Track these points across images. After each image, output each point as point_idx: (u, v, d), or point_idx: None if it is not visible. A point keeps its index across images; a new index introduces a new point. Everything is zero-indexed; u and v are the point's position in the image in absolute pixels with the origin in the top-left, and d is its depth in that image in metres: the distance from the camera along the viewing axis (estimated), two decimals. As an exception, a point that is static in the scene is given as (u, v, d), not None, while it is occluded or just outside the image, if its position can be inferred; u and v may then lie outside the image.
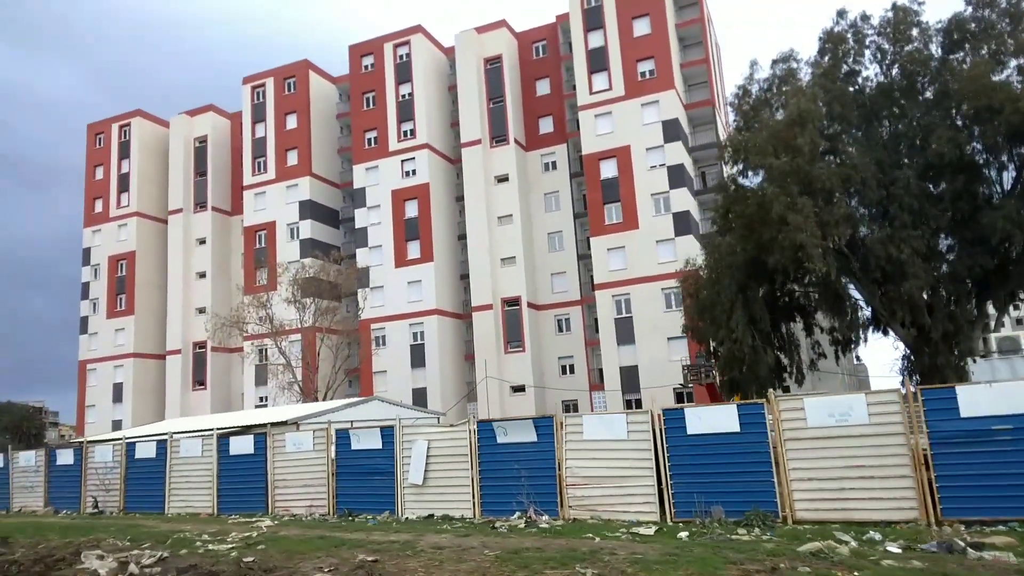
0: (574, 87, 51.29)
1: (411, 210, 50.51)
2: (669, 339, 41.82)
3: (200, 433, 23.42)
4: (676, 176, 43.33)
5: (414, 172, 50.79)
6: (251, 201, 56.06)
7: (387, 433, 17.69)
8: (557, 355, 48.53)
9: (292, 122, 55.67)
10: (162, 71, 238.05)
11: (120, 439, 24.05)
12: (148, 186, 61.53)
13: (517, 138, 50.42)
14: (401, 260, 50.00)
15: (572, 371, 48.03)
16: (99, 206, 62.06)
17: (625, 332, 43.09)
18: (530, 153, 51.09)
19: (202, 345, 57.74)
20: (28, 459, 25.63)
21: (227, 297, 59.40)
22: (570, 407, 46.43)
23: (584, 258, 48.58)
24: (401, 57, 52.65)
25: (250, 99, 57.41)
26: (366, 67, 53.62)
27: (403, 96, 52.14)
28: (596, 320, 47.61)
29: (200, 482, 20.91)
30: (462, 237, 52.22)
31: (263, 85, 57.08)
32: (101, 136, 63.02)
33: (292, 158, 55.16)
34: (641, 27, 46.17)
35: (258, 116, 56.93)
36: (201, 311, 58.27)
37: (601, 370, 47.06)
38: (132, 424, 56.01)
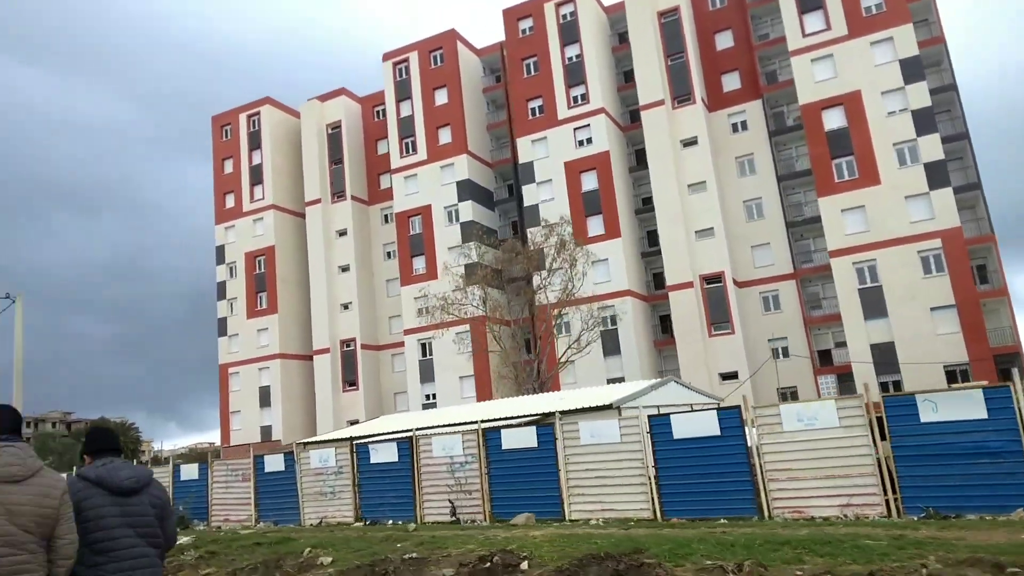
0: (764, 36, 45.86)
1: (588, 182, 45.54)
2: (932, 309, 35.95)
3: (456, 428, 19.16)
4: (924, 121, 37.41)
5: (589, 140, 45.81)
6: (401, 185, 51.81)
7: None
8: (767, 336, 43.01)
9: (441, 97, 51.26)
10: (208, 89, 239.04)
11: (343, 440, 21.35)
12: (281, 177, 57.93)
13: (702, 97, 45.13)
14: (582, 237, 45.04)
15: (785, 354, 42.41)
16: (230, 201, 58.66)
17: (873, 304, 37.31)
18: (713, 114, 45.70)
19: (350, 343, 53.71)
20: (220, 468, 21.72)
21: (371, 291, 55.39)
22: (787, 395, 40.86)
23: (795, 225, 42.95)
24: (565, 16, 47.75)
25: (392, 76, 53.23)
26: (524, 31, 48.89)
27: (570, 59, 47.25)
28: (819, 294, 42.06)
29: (468, 485, 16.80)
30: (639, 211, 47.10)
31: (406, 60, 52.84)
32: (228, 128, 59.66)
33: (444, 136, 50.73)
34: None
35: (402, 94, 52.70)
36: (346, 307, 54.32)
37: (827, 351, 41.53)
38: (284, 429, 52.31)
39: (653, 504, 14.21)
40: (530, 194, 46.99)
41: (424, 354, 48.98)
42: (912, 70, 37.85)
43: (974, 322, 35.07)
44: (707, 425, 13.85)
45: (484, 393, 46.04)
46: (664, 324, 46.59)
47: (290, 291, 56.37)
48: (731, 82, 45.98)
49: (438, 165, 50.47)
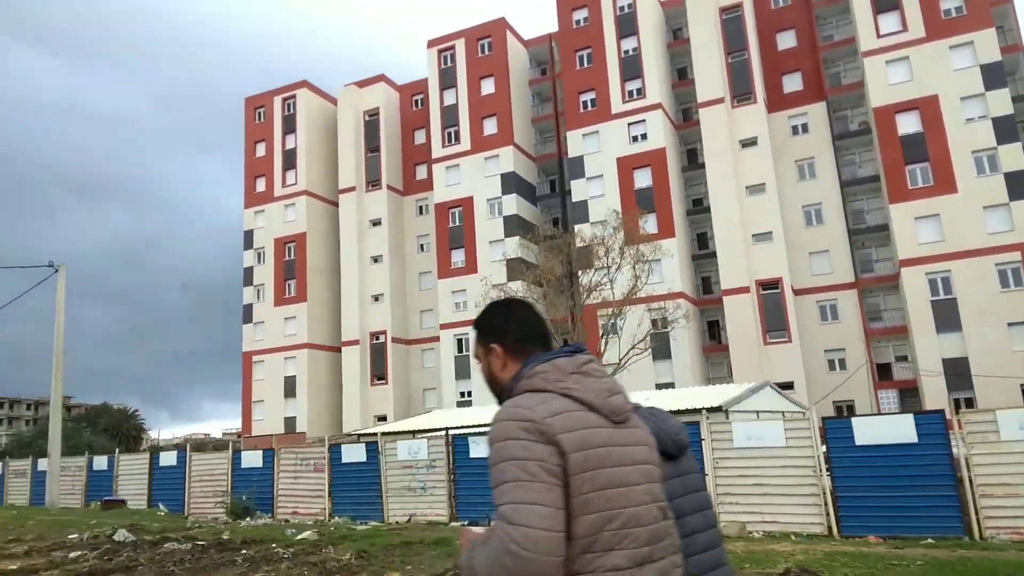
0: (828, 37, 44.39)
1: (641, 179, 43.91)
2: (1010, 325, 34.31)
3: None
4: (1005, 129, 35.85)
5: (644, 136, 44.18)
6: (441, 175, 50.14)
7: None
8: (823, 347, 41.35)
9: (488, 87, 49.69)
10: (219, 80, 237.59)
11: (439, 431, 19.66)
12: (315, 163, 56.27)
13: (763, 97, 43.54)
14: (633, 236, 43.35)
15: (843, 366, 40.74)
16: (261, 185, 56.95)
17: (946, 316, 35.65)
18: (773, 115, 44.11)
19: (380, 336, 51.94)
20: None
21: (403, 284, 53.67)
22: (843, 408, 39.20)
23: (857, 233, 41.35)
24: (622, 8, 46.20)
25: (437, 63, 51.65)
26: (578, 21, 47.33)
27: (626, 52, 45.67)
28: (879, 305, 40.47)
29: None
30: (690, 212, 45.48)
31: (452, 48, 51.28)
32: (261, 111, 58.01)
33: (490, 127, 49.13)
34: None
35: (447, 82, 51.11)
36: (377, 299, 52.57)
37: (887, 365, 39.90)
38: (308, 421, 50.53)
39: (828, 518, 12.51)
40: (579, 189, 45.34)
41: (460, 350, 47.25)
42: (994, 76, 36.33)
43: (1054, 340, 33.49)
44: (900, 431, 12.14)
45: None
46: (712, 330, 44.96)
47: (320, 280, 54.65)
48: (792, 83, 44.45)
49: (482, 156, 48.83)
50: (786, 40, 45.03)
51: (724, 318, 42.74)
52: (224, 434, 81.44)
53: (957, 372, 34.90)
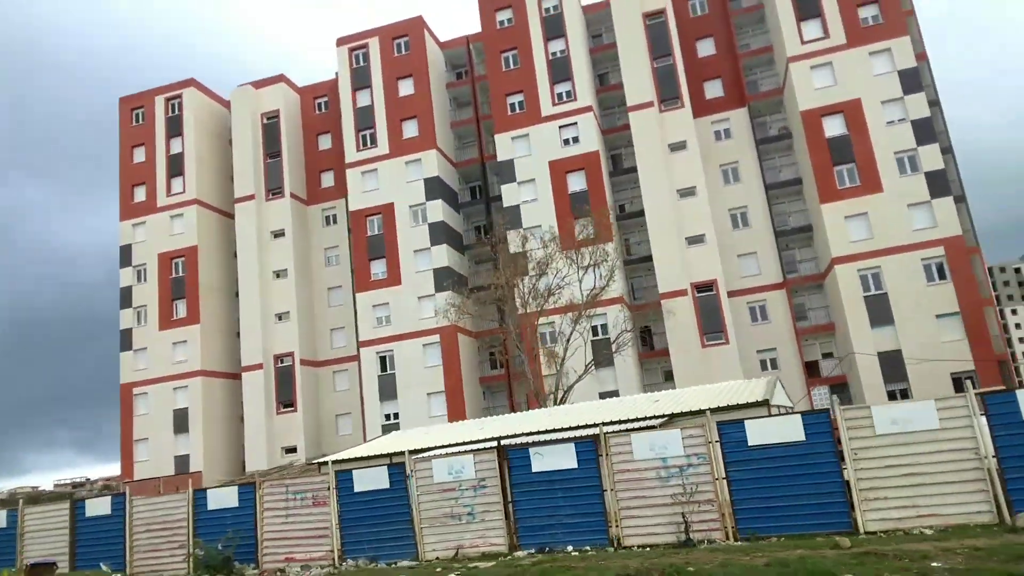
0: (745, 46, 45.55)
1: (575, 183, 42.66)
2: (938, 317, 35.84)
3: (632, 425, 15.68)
4: (923, 131, 37.74)
5: (576, 140, 43.03)
6: (357, 180, 46.44)
7: None
8: (755, 348, 41.67)
9: (406, 88, 46.79)
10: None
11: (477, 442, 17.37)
12: (205, 171, 50.64)
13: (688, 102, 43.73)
14: (568, 242, 41.94)
15: (775, 365, 41.21)
16: (140, 194, 50.46)
17: (879, 311, 36.75)
18: (697, 120, 44.20)
19: (286, 358, 47.05)
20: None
21: (310, 301, 49.14)
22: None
23: (783, 235, 42.21)
24: (548, 10, 45.06)
25: (348, 62, 48.08)
26: (502, 22, 45.67)
27: (554, 54, 44.48)
28: (805, 305, 41.36)
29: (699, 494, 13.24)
30: (619, 217, 44.74)
31: (365, 46, 47.95)
32: (140, 112, 51.60)
33: (410, 129, 46.17)
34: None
35: (360, 82, 47.65)
36: (281, 317, 47.70)
37: (813, 363, 40.77)
38: (204, 459, 44.72)
39: (998, 508, 11.07)
40: (510, 194, 43.37)
41: (384, 368, 43.58)
42: (911, 81, 38.32)
43: (978, 329, 35.27)
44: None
45: (456, 411, 41.44)
46: (644, 336, 44.26)
47: (213, 299, 48.95)
48: (714, 89, 45.06)
49: (402, 160, 45.76)
50: (706, 47, 45.70)
51: (661, 323, 42.22)
52: (56, 485, 68.95)
53: (892, 365, 36.00)
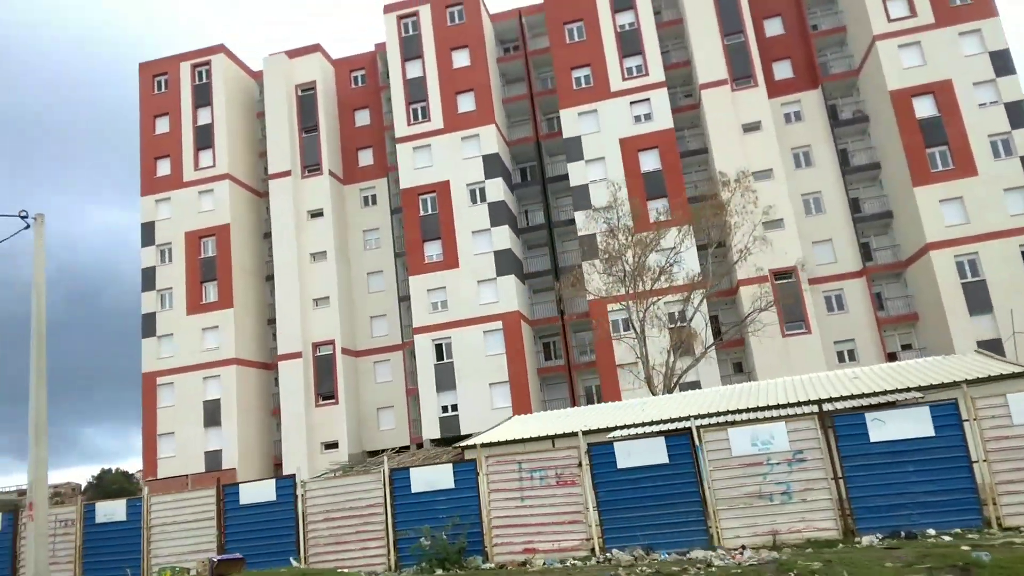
0: (815, 26, 43.98)
1: (648, 162, 40.52)
2: (1038, 305, 34.56)
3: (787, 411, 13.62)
4: (1017, 114, 36.51)
5: (648, 116, 40.93)
6: (408, 156, 43.51)
7: None
8: (832, 339, 39.95)
9: (461, 59, 44.05)
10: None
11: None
12: (236, 143, 47.14)
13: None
14: (644, 222, 39.70)
15: (852, 356, 39.58)
16: (164, 167, 46.66)
17: (977, 298, 35.30)
18: (770, 101, 42.41)
19: (326, 347, 43.78)
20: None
21: (348, 285, 45.93)
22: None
23: (860, 221, 40.60)
24: (614, -20, 42.89)
25: (397, 31, 45.15)
26: (565, -8, 43.38)
27: (622, 26, 42.32)
28: (884, 294, 39.86)
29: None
30: (694, 199, 42.68)
31: (415, 14, 45.08)
32: (163, 79, 47.80)
33: (465, 103, 43.44)
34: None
35: (410, 52, 44.75)
36: (319, 303, 44.42)
37: (892, 354, 39.23)
38: (239, 456, 41.31)
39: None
40: (577, 173, 41.01)
41: (440, 357, 40.69)
42: (1002, 63, 37.13)
43: (1080, 318, 34.07)
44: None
45: (522, 403, 38.78)
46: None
47: (246, 282, 45.44)
48: (783, 70, 43.34)
49: (459, 135, 42.99)
50: (774, 27, 43.99)
51: (730, 312, 40.43)
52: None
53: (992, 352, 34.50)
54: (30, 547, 15.27)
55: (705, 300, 36.09)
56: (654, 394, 30.46)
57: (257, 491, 15.28)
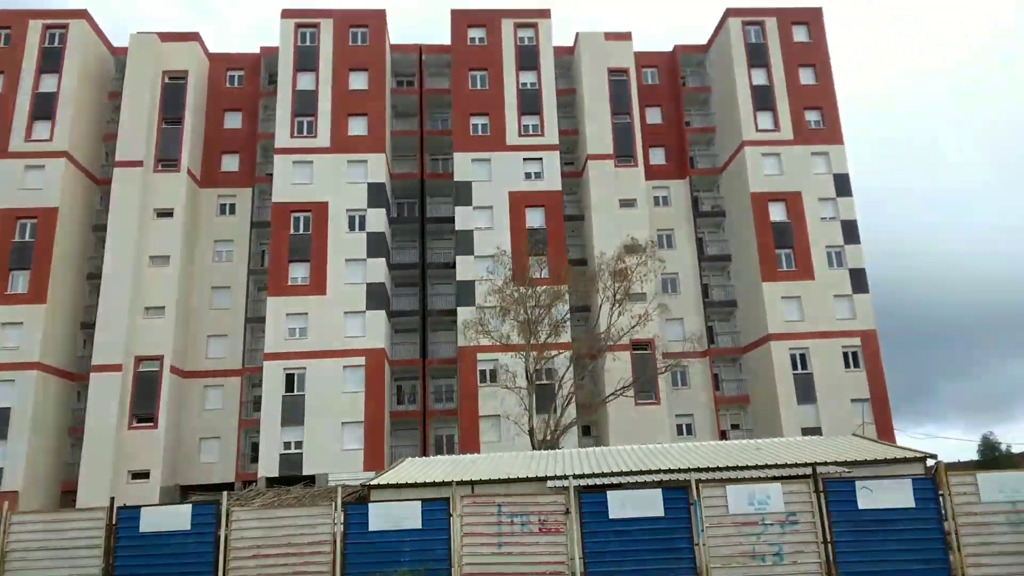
0: (688, 123, 48.03)
1: (534, 219, 41.32)
2: (852, 401, 39.18)
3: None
4: (850, 231, 42.00)
5: (539, 175, 42.00)
6: (287, 169, 40.69)
7: None
8: (675, 411, 42.36)
9: (358, 81, 42.50)
10: None
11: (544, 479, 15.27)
12: (80, 122, 41.44)
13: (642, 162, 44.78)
14: (524, 276, 39.97)
15: (689, 431, 42.20)
16: (-18, 131, 39.79)
17: (805, 389, 39.30)
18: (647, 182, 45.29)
19: (152, 362, 38.78)
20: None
21: (188, 298, 41.36)
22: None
23: (711, 306, 44.01)
24: (522, 40, 44.10)
25: (293, 39, 42.67)
26: (474, 39, 43.95)
27: (524, 84, 43.49)
28: (721, 376, 43.18)
29: None
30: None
31: (315, 25, 42.97)
32: (6, 32, 41.19)
33: (357, 126, 41.73)
34: None
35: (305, 63, 42.40)
36: (151, 311, 39.50)
37: (723, 432, 42.34)
38: (24, 478, 35.11)
39: None
40: (464, 218, 40.69)
41: (290, 388, 37.58)
42: (843, 185, 42.68)
43: (884, 418, 39.00)
44: None
45: (375, 447, 36.84)
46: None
47: (63, 277, 39.35)
48: (657, 156, 46.46)
49: (345, 158, 41.08)
50: (653, 115, 47.33)
51: (589, 378, 41.65)
52: None
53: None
54: None
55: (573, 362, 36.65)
56: (535, 448, 30.13)
57: (164, 518, 12.70)
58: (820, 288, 40.92)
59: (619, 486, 14.12)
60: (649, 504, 12.17)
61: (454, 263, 40.75)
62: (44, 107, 40.36)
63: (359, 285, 39.12)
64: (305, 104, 41.88)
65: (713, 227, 46.26)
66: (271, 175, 43.27)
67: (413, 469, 20.53)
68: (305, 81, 42.26)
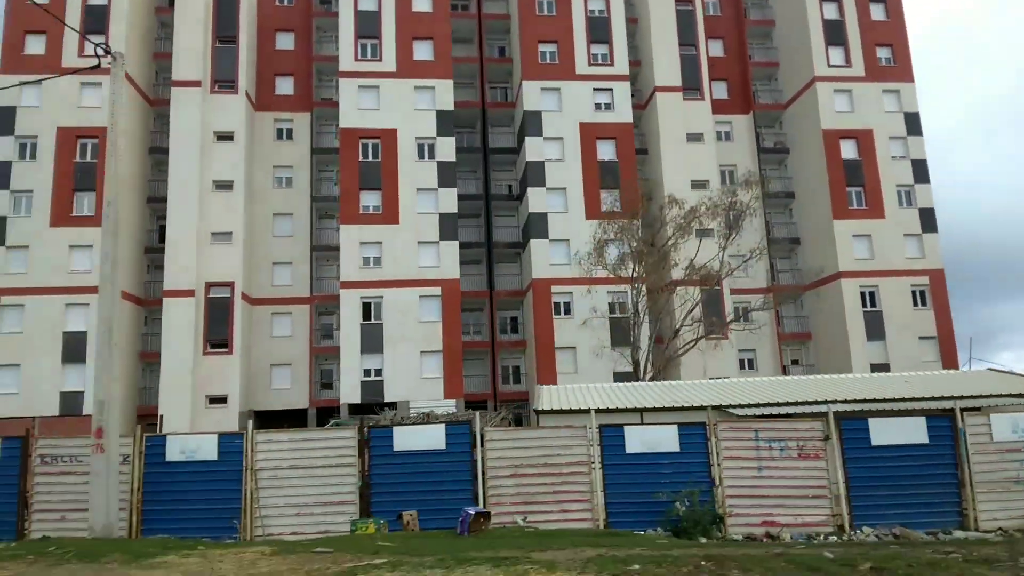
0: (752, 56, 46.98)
1: (605, 152, 40.56)
2: (921, 339, 39.72)
3: None
4: (920, 171, 41.79)
5: (609, 106, 41.04)
6: (352, 94, 39.41)
7: None
8: (739, 347, 42.78)
9: (422, 3, 40.89)
10: None
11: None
12: (132, 37, 39.65)
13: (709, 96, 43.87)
14: (595, 209, 39.53)
15: (751, 365, 42.73)
16: (36, 45, 37.97)
17: (874, 327, 39.74)
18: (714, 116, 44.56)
19: (223, 289, 38.31)
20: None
21: (252, 224, 40.58)
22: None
23: (775, 243, 43.96)
24: (589, -38, 42.39)
25: (354, -44, 40.78)
26: (537, -38, 42.06)
27: (592, 12, 42.01)
28: (783, 314, 43.42)
29: None
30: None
31: (378, -56, 41.04)
32: (51, -62, 38.90)
33: (423, 51, 40.34)
34: None
35: (367, -18, 40.66)
36: (219, 236, 38.74)
37: (784, 367, 42.88)
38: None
39: None
40: (535, 149, 39.86)
41: (367, 316, 37.38)
42: (913, 124, 42.21)
43: (950, 354, 39.58)
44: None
45: (454, 377, 36.97)
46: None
47: (126, 200, 38.33)
48: (719, 91, 45.52)
49: (412, 83, 39.82)
50: (715, 48, 46.15)
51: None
52: None
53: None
54: (97, 487, 11.42)
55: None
56: (639, 379, 30.39)
57: (419, 437, 12.61)
58: (890, 227, 40.90)
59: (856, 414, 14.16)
60: (912, 431, 12.25)
61: (517, 195, 40.22)
62: (96, 20, 38.45)
63: (431, 215, 38.52)
64: (368, 25, 40.27)
65: (775, 164, 45.81)
66: (328, 100, 42.19)
67: (578, 395, 20.52)
68: (366, 1, 40.53)
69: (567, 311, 38.38)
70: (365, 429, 12.90)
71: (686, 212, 34.89)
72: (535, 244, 38.77)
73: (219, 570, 7.88)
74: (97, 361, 12.67)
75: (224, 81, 40.36)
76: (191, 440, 13.05)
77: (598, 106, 40.86)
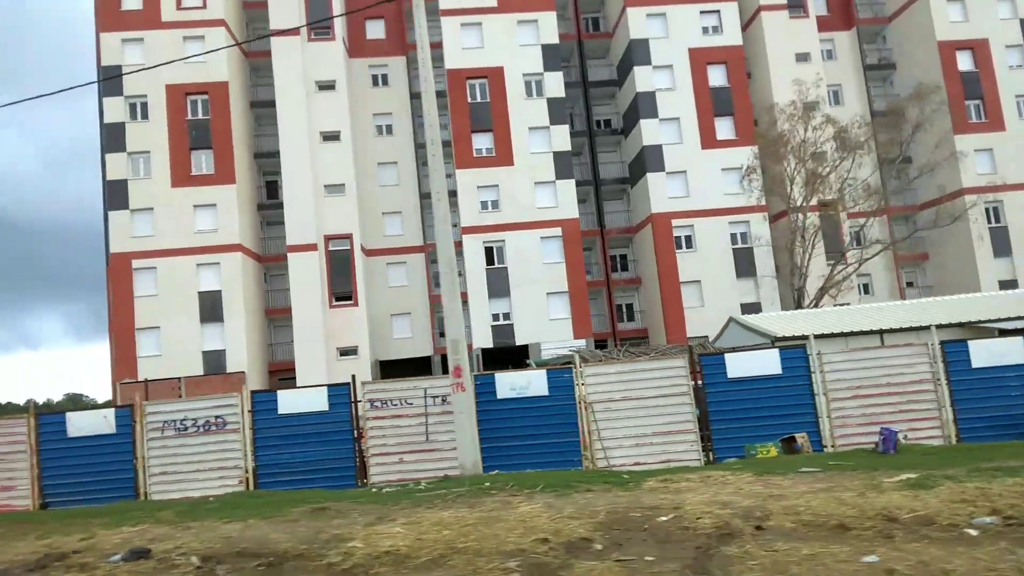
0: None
1: (716, 78, 39.48)
2: None
3: None
4: None
5: (717, 29, 39.78)
6: (455, 34, 38.51)
7: None
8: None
9: (516, -68, 39.48)
10: None
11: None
12: (228, -12, 38.82)
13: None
14: (711, 140, 38.80)
15: (868, 291, 42.29)
16: (131, 0, 37.31)
17: (999, 242, 39.03)
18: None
19: (342, 241, 38.32)
20: None
21: (361, 175, 40.30)
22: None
23: (890, 163, 42.90)
24: None
25: None
26: None
27: (695, -71, 40.30)
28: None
29: None
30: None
31: None
32: None
33: (521, -18, 39.20)
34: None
35: (458, -88, 39.20)
36: (331, 188, 38.56)
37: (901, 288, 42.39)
38: (247, 357, 35.40)
39: None
40: (644, 79, 38.90)
41: (491, 261, 37.32)
42: (1033, 29, 40.50)
43: None
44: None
45: (581, 316, 36.97)
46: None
47: (240, 156, 38.18)
48: (818, 7, 43.84)
49: (514, 18, 38.76)
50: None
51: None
52: None
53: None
54: (462, 426, 11.52)
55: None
56: (800, 307, 30.26)
57: (756, 363, 12.54)
58: (1012, 139, 39.74)
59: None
60: None
61: (621, 129, 39.47)
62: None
63: (545, 154, 37.97)
64: (466, -41, 39.01)
65: (879, 80, 44.41)
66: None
67: (798, 321, 20.39)
68: (460, -67, 39.18)
69: (688, 244, 38.04)
70: (696, 358, 12.88)
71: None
72: (652, 177, 38.18)
73: (744, 490, 7.89)
74: (446, 302, 12.53)
75: (319, 29, 39.51)
76: (521, 377, 13.08)
77: (705, 30, 39.61)
